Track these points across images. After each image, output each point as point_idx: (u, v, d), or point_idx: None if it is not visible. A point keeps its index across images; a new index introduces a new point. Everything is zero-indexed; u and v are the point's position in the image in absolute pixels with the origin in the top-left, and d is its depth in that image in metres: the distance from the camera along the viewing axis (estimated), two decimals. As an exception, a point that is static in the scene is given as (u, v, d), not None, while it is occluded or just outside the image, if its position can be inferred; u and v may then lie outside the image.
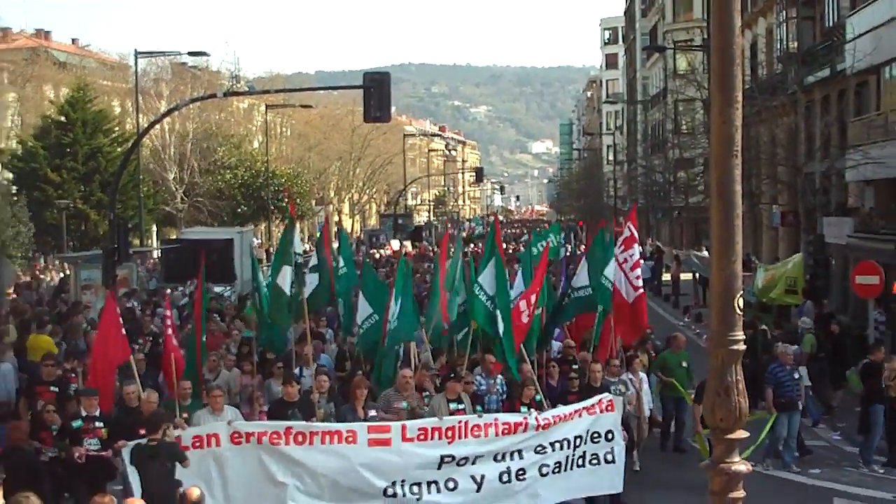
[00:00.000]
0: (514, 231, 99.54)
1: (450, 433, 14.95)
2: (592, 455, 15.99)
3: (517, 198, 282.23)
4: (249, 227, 66.34)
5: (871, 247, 32.42)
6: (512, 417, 15.68)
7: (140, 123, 49.91)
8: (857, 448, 21.75)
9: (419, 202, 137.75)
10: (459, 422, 15.18)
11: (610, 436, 16.14)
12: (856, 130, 37.31)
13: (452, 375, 17.03)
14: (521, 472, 15.34)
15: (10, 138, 60.51)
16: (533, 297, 18.82)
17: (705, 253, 42.08)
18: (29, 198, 48.41)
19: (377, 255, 58.78)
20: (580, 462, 15.91)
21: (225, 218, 70.43)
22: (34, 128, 59.15)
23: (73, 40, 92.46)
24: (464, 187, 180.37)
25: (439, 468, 14.86)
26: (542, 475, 15.53)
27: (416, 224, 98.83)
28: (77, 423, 14.83)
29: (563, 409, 16.16)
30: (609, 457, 16.10)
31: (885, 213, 34.38)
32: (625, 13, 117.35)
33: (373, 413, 15.82)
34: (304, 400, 16.26)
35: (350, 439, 14.58)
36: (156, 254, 51.76)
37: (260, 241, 72.06)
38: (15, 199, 40.39)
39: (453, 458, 14.91)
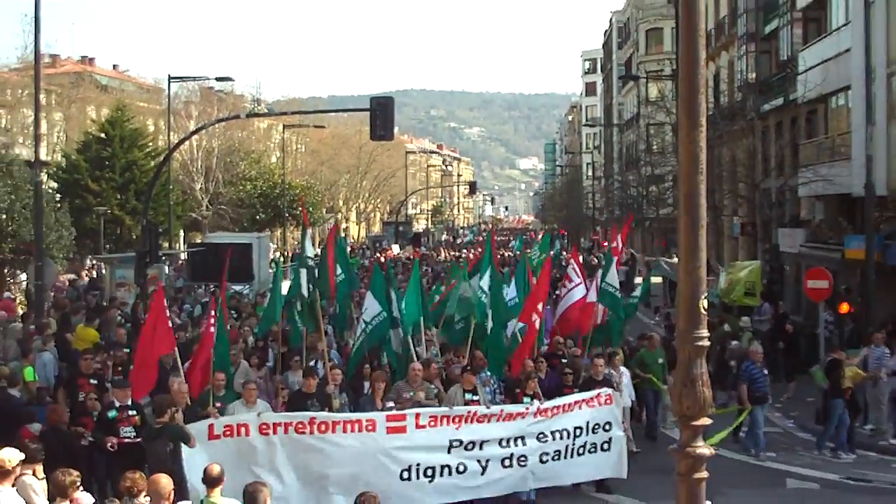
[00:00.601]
0: (503, 238, 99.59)
1: (457, 420, 14.70)
2: (591, 445, 15.74)
3: (506, 208, 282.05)
4: (266, 232, 66.21)
5: (821, 255, 32.51)
6: (515, 407, 15.45)
7: (171, 140, 49.77)
8: (810, 434, 21.79)
9: (418, 211, 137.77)
10: (468, 411, 14.91)
11: (608, 426, 15.90)
12: (807, 152, 37.35)
13: (469, 368, 16.72)
14: (522, 459, 15.07)
15: (56, 152, 60.28)
16: (540, 306, 18.75)
17: (674, 259, 42.05)
18: (71, 205, 48.16)
19: (381, 259, 58.56)
20: (580, 451, 15.64)
21: (245, 224, 70.31)
22: (77, 143, 58.94)
23: (114, 66, 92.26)
24: (458, 199, 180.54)
25: (449, 452, 14.58)
26: (542, 462, 15.25)
27: (416, 231, 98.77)
28: (112, 414, 14.43)
29: (563, 400, 15.89)
30: (605, 446, 15.86)
31: (833, 226, 34.43)
32: (603, 46, 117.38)
33: (390, 405, 15.46)
34: (320, 391, 15.87)
35: (370, 428, 14.29)
36: (183, 255, 51.71)
37: (276, 245, 71.99)
38: (58, 206, 40.21)
39: (461, 442, 14.63)
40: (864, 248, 27.75)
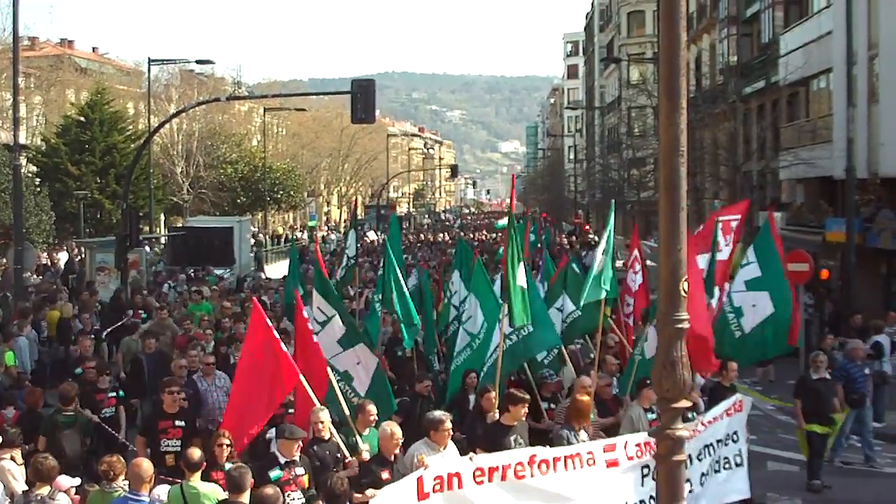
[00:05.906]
0: (488, 221, 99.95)
1: (648, 447, 12.04)
2: (725, 459, 13.43)
3: (488, 191, 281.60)
4: (248, 216, 66.10)
5: (802, 238, 32.65)
6: (690, 425, 12.49)
7: (151, 123, 49.55)
8: (789, 417, 21.61)
9: (400, 195, 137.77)
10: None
11: (736, 437, 13.52)
12: (788, 135, 37.48)
13: (648, 383, 14.35)
14: (687, 482, 12.05)
15: (35, 136, 59.91)
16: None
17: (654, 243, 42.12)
18: (51, 189, 48.00)
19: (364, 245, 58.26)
20: (716, 468, 13.30)
21: (226, 208, 70.28)
22: (57, 126, 58.65)
23: (94, 49, 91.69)
24: (440, 182, 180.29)
25: (643, 485, 12.00)
26: (702, 485, 12.94)
27: (398, 215, 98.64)
28: (276, 475, 10.51)
29: (719, 410, 13.49)
30: (738, 459, 13.49)
31: (813, 208, 34.58)
32: (585, 28, 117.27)
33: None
34: (522, 423, 12.99)
35: (590, 462, 11.65)
36: (163, 239, 51.67)
37: (257, 229, 71.89)
38: (38, 190, 40.03)
39: (648, 468, 11.96)
40: (844, 231, 27.89)
